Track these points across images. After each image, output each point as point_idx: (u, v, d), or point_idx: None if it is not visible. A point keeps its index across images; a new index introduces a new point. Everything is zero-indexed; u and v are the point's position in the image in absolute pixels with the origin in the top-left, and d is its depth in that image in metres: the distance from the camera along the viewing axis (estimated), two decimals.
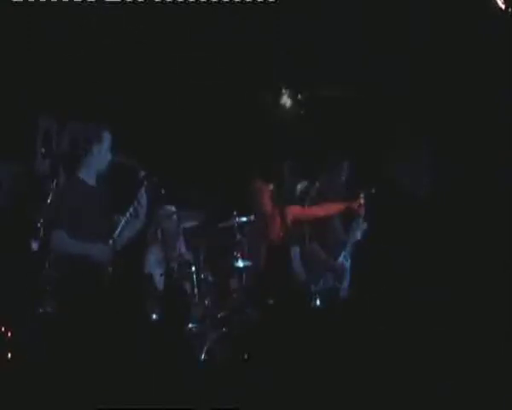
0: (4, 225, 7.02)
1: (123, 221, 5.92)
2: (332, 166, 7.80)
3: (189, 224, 7.60)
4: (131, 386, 5.72)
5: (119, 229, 5.90)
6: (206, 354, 6.93)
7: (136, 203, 5.94)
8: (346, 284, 7.62)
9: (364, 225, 7.74)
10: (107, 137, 5.95)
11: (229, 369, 6.76)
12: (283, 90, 9.14)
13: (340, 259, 7.61)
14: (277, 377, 6.33)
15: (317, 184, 7.83)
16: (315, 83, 8.95)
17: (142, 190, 5.97)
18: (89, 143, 5.94)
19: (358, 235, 7.72)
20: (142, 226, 6.16)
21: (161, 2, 7.44)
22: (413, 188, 8.59)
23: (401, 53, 8.05)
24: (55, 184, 6.97)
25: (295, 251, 7.59)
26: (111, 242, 5.83)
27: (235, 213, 7.49)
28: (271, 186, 7.67)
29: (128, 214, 5.93)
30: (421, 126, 8.59)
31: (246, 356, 6.84)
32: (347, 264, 7.65)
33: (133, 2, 7.44)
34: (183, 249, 7.68)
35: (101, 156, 5.93)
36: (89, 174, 5.94)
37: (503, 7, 6.76)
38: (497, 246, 7.71)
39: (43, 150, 7.82)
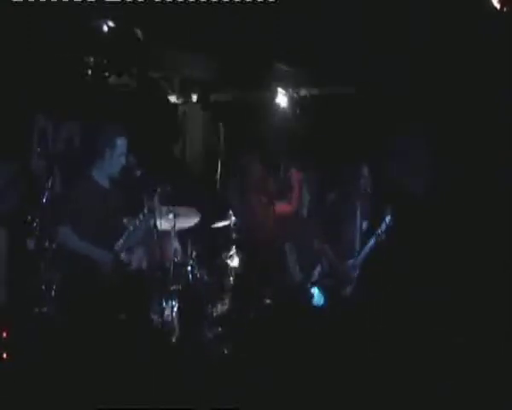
0: (2, 224, 7.03)
1: (131, 227, 5.95)
2: (349, 172, 7.73)
3: (184, 223, 7.59)
4: (131, 386, 5.71)
5: (126, 235, 5.93)
6: (202, 353, 6.92)
7: (146, 210, 5.96)
8: (348, 289, 7.56)
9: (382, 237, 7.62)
10: (121, 144, 6.00)
11: (229, 369, 6.75)
12: (283, 90, 9.14)
13: (349, 264, 7.57)
14: (277, 377, 6.32)
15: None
16: (315, 83, 8.95)
17: (155, 201, 6.00)
18: (102, 146, 5.98)
19: (371, 248, 7.61)
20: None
21: (161, 2, 7.44)
22: (413, 188, 8.59)
23: (401, 53, 8.05)
24: (50, 183, 6.99)
25: (289, 248, 7.58)
26: (115, 246, 5.86)
27: (230, 212, 7.51)
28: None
29: (137, 221, 5.96)
30: (421, 126, 8.59)
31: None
32: (355, 273, 7.57)
33: (133, 2, 7.46)
34: (179, 249, 7.66)
35: (112, 161, 5.98)
36: (101, 176, 5.99)
37: (498, 6, 6.77)
38: (498, 246, 7.71)
39: (39, 150, 7.83)
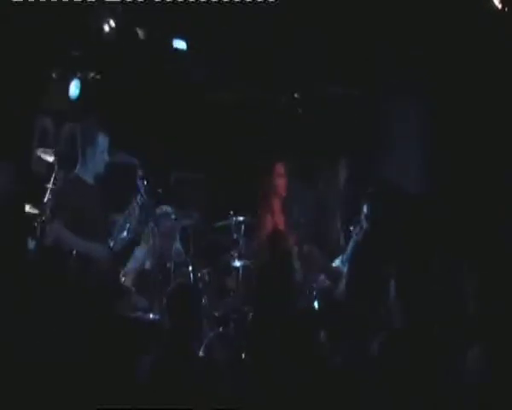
0: (1, 224, 7.04)
1: (121, 221, 5.97)
2: (330, 166, 7.73)
3: (185, 223, 7.60)
4: (129, 386, 5.71)
5: (117, 228, 5.95)
6: (203, 353, 6.92)
7: (134, 204, 5.99)
8: (341, 286, 7.56)
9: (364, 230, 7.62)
10: (102, 140, 5.98)
11: (228, 369, 6.75)
12: (282, 90, 9.16)
13: (337, 262, 7.58)
14: (277, 376, 6.32)
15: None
16: (314, 83, 8.96)
17: (141, 191, 6.02)
18: (83, 144, 5.98)
19: (357, 240, 7.61)
20: (140, 226, 6.21)
21: (161, 2, 7.47)
22: (412, 188, 8.59)
23: (401, 52, 8.07)
24: (51, 183, 7.01)
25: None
26: (110, 242, 5.88)
27: (231, 212, 7.51)
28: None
29: (127, 213, 5.99)
30: (420, 126, 8.61)
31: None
32: (344, 268, 7.58)
33: (133, 2, 7.49)
34: (180, 249, 7.67)
35: (95, 158, 5.97)
36: (86, 173, 5.98)
37: (499, 6, 6.78)
38: (498, 246, 7.68)
39: (39, 149, 7.85)
